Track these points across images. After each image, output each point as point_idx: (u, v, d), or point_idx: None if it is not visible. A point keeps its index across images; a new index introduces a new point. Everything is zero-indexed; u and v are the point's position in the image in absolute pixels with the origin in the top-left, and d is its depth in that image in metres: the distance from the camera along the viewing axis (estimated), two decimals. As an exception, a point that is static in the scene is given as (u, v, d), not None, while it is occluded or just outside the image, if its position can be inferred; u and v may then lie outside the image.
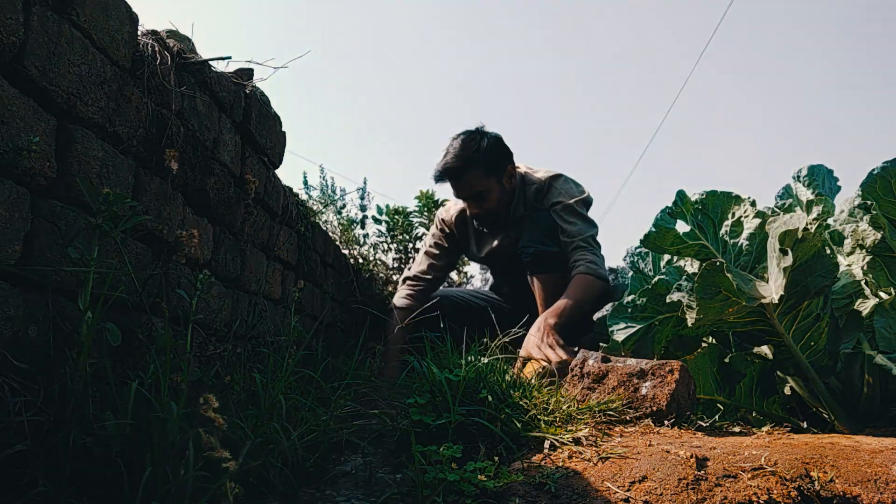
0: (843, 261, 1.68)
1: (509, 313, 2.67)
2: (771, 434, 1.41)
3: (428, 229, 4.00)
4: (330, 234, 3.15)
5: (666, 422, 1.40)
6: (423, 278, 2.80)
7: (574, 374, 1.56)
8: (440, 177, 2.58)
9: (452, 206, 2.88)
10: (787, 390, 1.67)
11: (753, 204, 1.79)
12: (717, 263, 1.41)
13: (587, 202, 2.59)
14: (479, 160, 2.49)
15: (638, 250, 2.20)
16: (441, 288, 3.06)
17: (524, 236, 2.55)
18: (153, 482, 0.83)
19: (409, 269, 2.79)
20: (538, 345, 2.01)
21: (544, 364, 1.85)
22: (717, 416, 1.62)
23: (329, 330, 2.83)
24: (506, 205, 2.65)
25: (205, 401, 0.70)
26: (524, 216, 2.63)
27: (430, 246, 2.89)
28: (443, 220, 2.88)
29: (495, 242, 2.74)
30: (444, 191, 4.48)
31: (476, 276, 4.85)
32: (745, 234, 1.76)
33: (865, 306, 1.58)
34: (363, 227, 4.07)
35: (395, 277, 3.98)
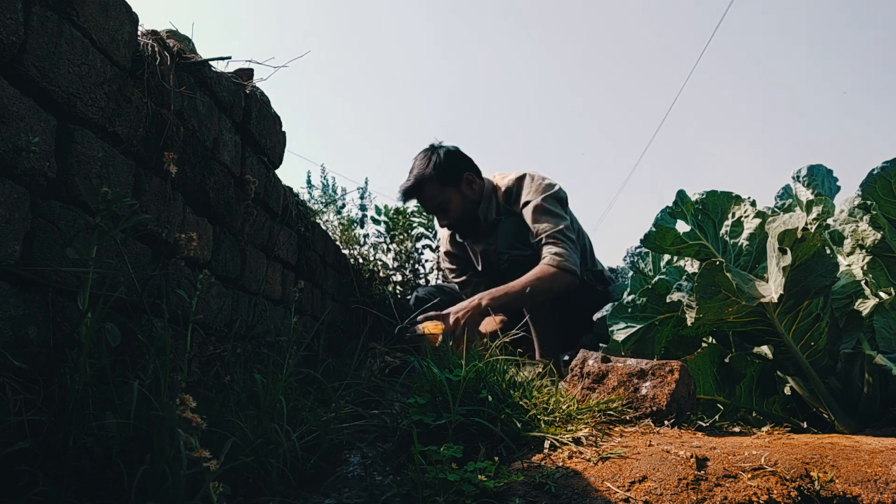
0: (843, 261, 1.68)
1: (508, 314, 2.68)
2: (771, 434, 1.41)
3: (427, 229, 4.01)
4: (330, 234, 3.16)
5: (666, 422, 1.39)
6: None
7: (574, 374, 1.56)
8: (402, 197, 2.80)
9: (442, 236, 3.03)
10: (787, 390, 1.67)
11: (753, 204, 1.79)
12: (717, 263, 1.41)
13: (556, 197, 2.58)
14: (432, 175, 2.67)
15: (638, 250, 2.19)
16: (442, 287, 3.08)
17: (498, 244, 2.61)
18: (152, 482, 0.83)
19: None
20: (455, 313, 2.06)
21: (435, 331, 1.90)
22: (717, 416, 1.62)
23: (329, 330, 2.83)
24: (470, 211, 2.74)
25: (181, 401, 0.69)
26: (498, 221, 2.68)
27: (451, 270, 2.98)
28: (445, 252, 3.01)
29: (480, 250, 2.82)
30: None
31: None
32: (745, 234, 1.76)
33: (865, 306, 1.58)
34: (363, 227, 4.07)
35: (395, 277, 3.98)
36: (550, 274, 2.33)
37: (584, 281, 2.50)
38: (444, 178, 2.68)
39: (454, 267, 2.94)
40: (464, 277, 2.88)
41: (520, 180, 2.66)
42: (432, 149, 2.76)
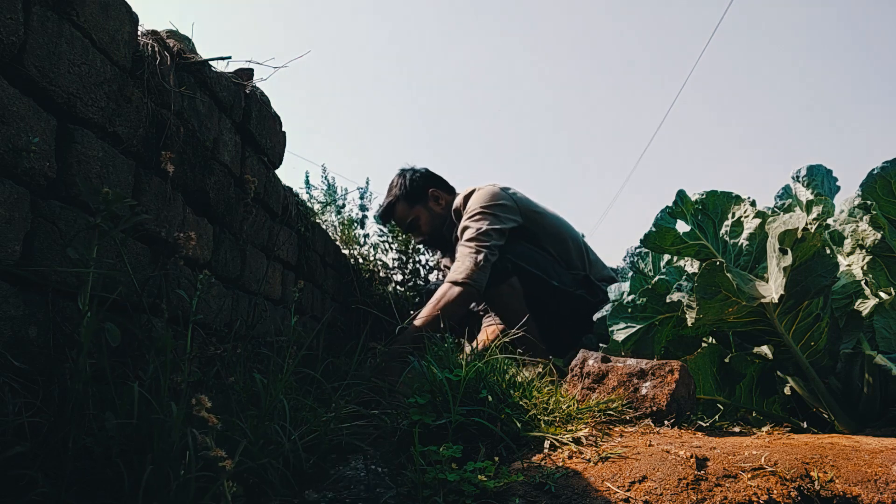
0: (843, 261, 1.68)
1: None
2: (771, 434, 1.41)
3: None
4: (330, 234, 3.16)
5: (666, 422, 1.39)
6: None
7: (574, 374, 1.56)
8: (379, 221, 3.05)
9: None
10: (787, 390, 1.67)
11: (753, 204, 1.79)
12: (717, 263, 1.41)
13: (482, 211, 2.56)
14: (399, 196, 2.90)
15: (638, 250, 2.19)
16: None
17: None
18: (154, 483, 0.83)
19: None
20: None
21: None
22: (717, 416, 1.62)
23: (329, 330, 2.83)
24: (438, 227, 2.87)
25: (198, 401, 0.69)
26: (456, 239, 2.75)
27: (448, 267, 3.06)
28: (446, 265, 3.11)
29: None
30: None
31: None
32: (745, 234, 1.76)
33: (865, 306, 1.58)
34: (363, 227, 4.06)
35: (395, 277, 3.98)
36: (443, 290, 2.39)
37: (556, 287, 2.51)
38: (411, 198, 2.87)
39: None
40: None
41: (467, 198, 2.70)
42: (402, 173, 2.95)
